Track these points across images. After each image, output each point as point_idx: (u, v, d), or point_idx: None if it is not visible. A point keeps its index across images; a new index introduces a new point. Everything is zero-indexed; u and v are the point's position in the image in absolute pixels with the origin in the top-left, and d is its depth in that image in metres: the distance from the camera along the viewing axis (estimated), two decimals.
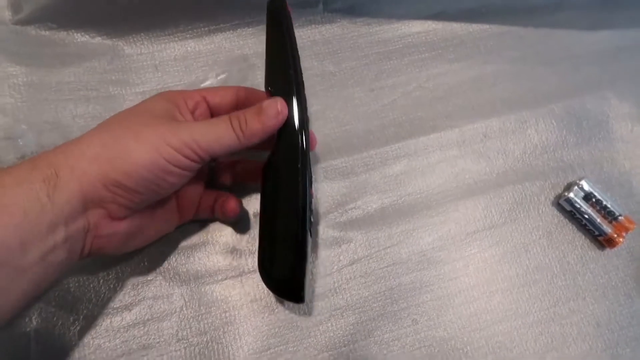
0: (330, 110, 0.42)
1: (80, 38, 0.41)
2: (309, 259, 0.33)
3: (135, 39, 0.42)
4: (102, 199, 0.28)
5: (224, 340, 0.36)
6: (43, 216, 0.25)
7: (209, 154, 0.29)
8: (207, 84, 0.41)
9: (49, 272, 0.27)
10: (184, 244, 0.38)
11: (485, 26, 0.47)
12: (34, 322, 0.34)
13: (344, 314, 0.37)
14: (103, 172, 0.27)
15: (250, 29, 0.43)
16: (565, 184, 0.43)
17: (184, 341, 0.36)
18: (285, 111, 0.30)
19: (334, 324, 0.37)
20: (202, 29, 0.43)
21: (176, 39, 0.42)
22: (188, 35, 0.42)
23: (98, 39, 0.41)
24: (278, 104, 0.29)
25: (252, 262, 0.38)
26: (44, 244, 0.25)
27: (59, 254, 0.27)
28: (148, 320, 0.36)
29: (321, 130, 0.42)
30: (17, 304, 0.26)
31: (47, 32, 0.40)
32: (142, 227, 0.32)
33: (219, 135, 0.29)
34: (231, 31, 0.43)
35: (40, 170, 0.26)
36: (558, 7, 0.48)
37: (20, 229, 0.24)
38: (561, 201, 0.42)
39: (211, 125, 0.29)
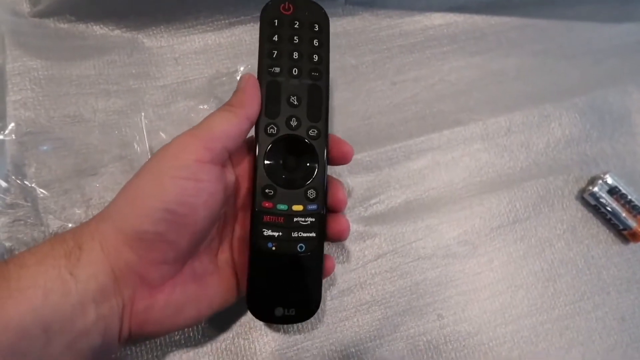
0: (352, 104, 0.42)
1: (99, 31, 0.40)
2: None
3: (154, 31, 0.41)
4: (131, 262, 0.25)
5: (250, 336, 0.36)
6: (67, 296, 0.22)
7: (221, 144, 0.27)
8: (227, 78, 0.41)
9: None
10: None
11: (507, 19, 0.46)
12: None
13: (370, 309, 0.37)
14: (120, 228, 0.25)
15: None
16: (589, 178, 0.43)
17: (210, 337, 0.35)
18: (253, 76, 0.29)
19: (360, 320, 0.37)
20: (223, 21, 0.42)
21: (196, 31, 0.42)
22: (208, 28, 0.42)
23: (117, 32, 0.40)
24: (245, 75, 0.30)
25: None
26: (70, 329, 0.23)
27: (92, 338, 0.24)
28: None
29: (344, 124, 0.41)
30: None
31: (66, 25, 0.40)
32: (189, 296, 0.28)
33: (219, 121, 0.27)
34: (252, 24, 0.42)
35: (64, 245, 0.24)
36: None
37: (40, 313, 0.22)
38: (585, 195, 0.41)
39: (207, 120, 0.28)
